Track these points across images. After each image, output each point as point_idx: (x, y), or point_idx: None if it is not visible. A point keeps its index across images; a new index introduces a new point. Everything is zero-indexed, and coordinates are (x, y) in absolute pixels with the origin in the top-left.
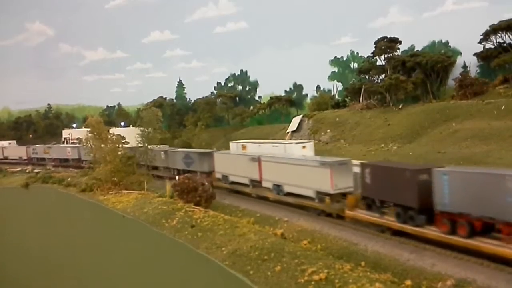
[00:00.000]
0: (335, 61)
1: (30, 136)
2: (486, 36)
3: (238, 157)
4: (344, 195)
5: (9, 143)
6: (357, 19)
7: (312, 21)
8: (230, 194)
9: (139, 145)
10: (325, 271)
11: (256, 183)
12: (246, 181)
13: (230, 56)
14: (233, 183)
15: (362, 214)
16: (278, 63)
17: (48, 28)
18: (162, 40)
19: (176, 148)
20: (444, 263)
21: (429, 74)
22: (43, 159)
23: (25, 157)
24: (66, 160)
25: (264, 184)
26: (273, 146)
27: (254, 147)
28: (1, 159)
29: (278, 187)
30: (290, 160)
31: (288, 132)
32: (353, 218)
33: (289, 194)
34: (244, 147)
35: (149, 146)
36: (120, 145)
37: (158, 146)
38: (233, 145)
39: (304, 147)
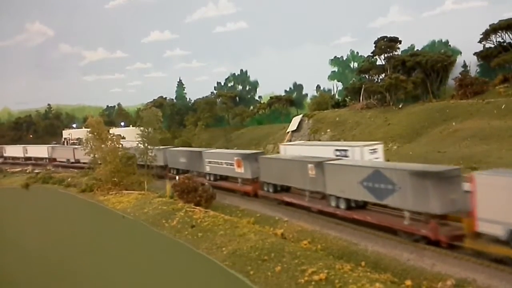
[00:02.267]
0: (335, 61)
1: (31, 136)
2: (486, 36)
3: None
4: None
5: None
6: (357, 19)
7: (312, 21)
8: (229, 194)
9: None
10: (325, 271)
11: None
12: None
13: (230, 56)
14: None
15: None
16: (278, 63)
17: (48, 29)
18: (162, 40)
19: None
20: (444, 263)
21: (429, 73)
22: None
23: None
24: (141, 166)
25: None
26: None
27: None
28: (70, 163)
29: None
30: None
31: (288, 132)
32: None
33: None
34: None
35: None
36: (120, 146)
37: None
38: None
39: None
